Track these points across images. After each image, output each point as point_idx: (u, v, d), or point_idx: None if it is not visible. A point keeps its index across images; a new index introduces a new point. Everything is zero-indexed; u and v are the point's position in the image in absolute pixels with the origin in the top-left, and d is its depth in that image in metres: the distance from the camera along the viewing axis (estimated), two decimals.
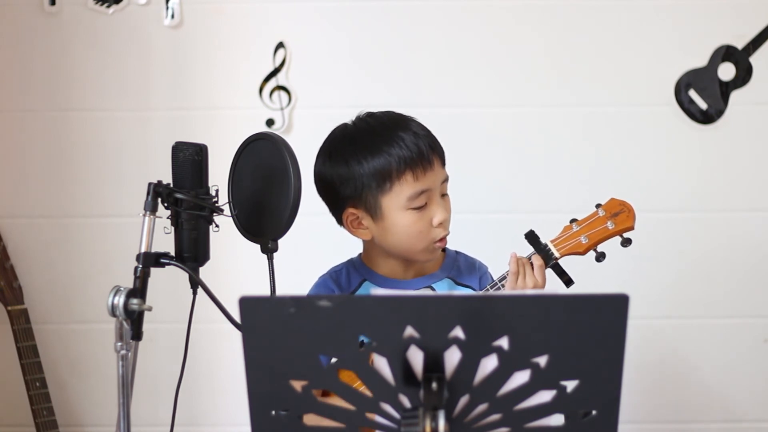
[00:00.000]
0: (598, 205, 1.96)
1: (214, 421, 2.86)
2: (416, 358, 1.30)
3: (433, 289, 2.02)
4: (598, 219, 1.94)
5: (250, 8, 2.78)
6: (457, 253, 2.09)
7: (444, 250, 2.06)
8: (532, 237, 1.96)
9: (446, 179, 1.98)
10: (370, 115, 2.01)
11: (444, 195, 1.98)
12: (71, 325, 2.83)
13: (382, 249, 2.00)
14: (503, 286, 1.94)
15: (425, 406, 1.27)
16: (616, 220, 1.94)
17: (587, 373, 1.31)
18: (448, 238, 1.99)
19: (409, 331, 1.28)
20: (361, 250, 2.08)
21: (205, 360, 2.78)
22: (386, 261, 2.02)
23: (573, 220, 1.96)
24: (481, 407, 1.32)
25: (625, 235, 1.94)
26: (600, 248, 1.95)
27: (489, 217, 2.79)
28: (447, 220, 1.97)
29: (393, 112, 2.02)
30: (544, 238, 1.96)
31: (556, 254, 1.94)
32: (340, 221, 2.01)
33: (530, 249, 1.96)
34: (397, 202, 1.92)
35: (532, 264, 1.94)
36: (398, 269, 2.02)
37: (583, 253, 1.94)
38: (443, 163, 1.98)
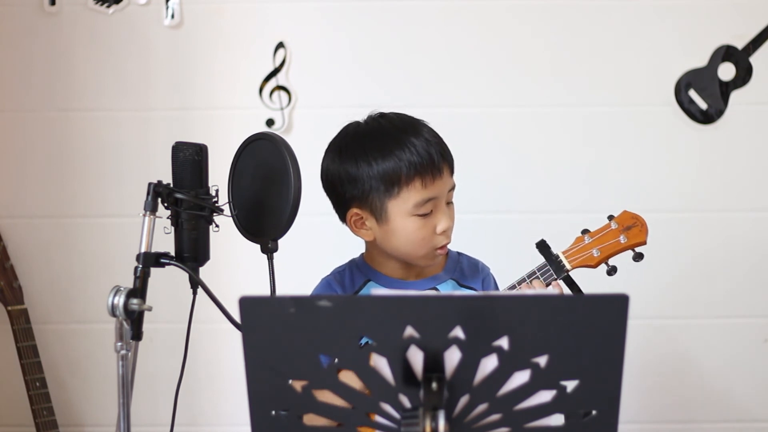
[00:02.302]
0: (610, 217, 1.95)
1: (214, 421, 2.86)
2: (416, 358, 1.30)
3: (437, 290, 2.02)
4: (610, 232, 1.93)
5: (250, 8, 2.78)
6: (459, 254, 2.08)
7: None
8: (543, 247, 1.94)
9: (453, 187, 1.98)
10: (382, 115, 2.00)
11: (449, 203, 1.98)
12: (71, 325, 2.83)
13: (383, 251, 2.00)
14: None
15: (425, 406, 1.27)
16: (628, 234, 1.93)
17: (587, 373, 1.31)
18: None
19: (409, 331, 1.28)
20: (362, 251, 2.08)
21: (205, 360, 2.78)
22: (388, 261, 2.02)
23: (585, 231, 1.95)
24: (481, 407, 1.32)
25: (637, 249, 1.93)
26: (612, 261, 1.94)
27: (488, 217, 2.78)
28: (450, 228, 1.96)
29: (405, 115, 2.01)
30: (556, 249, 1.94)
31: (568, 266, 1.93)
32: (343, 219, 2.01)
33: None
34: (403, 208, 1.92)
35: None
36: (401, 270, 2.02)
37: (594, 266, 1.93)
38: (452, 172, 1.98)
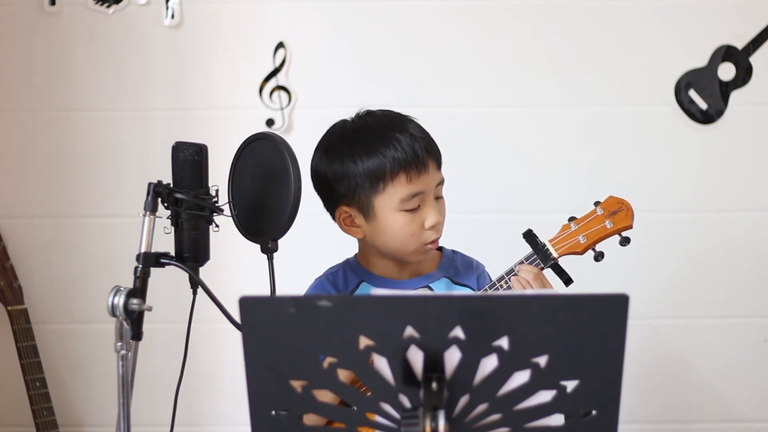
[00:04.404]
0: (596, 203, 1.95)
1: (214, 421, 2.86)
2: (416, 358, 1.30)
3: (430, 288, 2.02)
4: (596, 218, 1.93)
5: (250, 8, 2.78)
6: (453, 252, 2.08)
7: (441, 249, 2.06)
8: (530, 237, 1.94)
9: (441, 182, 1.98)
10: (369, 113, 2.01)
11: (439, 198, 1.98)
12: (71, 325, 2.83)
13: (375, 249, 2.00)
14: (501, 287, 1.93)
15: (425, 406, 1.27)
16: (614, 218, 1.92)
17: (587, 373, 1.31)
18: (442, 239, 1.99)
19: (409, 331, 1.28)
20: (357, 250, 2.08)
21: (205, 360, 2.78)
22: (381, 261, 2.02)
23: (571, 219, 1.95)
24: (481, 407, 1.32)
25: (624, 233, 1.93)
26: (599, 247, 1.94)
27: (488, 217, 2.79)
28: (440, 223, 1.96)
29: (392, 112, 2.02)
30: (543, 238, 1.95)
31: (555, 254, 1.93)
32: (333, 218, 2.02)
33: (527, 248, 1.95)
34: (389, 203, 1.92)
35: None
36: (394, 269, 2.02)
37: (581, 253, 1.93)
38: (439, 166, 1.97)
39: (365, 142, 1.94)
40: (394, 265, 2.01)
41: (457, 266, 2.06)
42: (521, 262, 1.93)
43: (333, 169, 1.95)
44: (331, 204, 1.99)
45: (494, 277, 1.97)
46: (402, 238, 1.94)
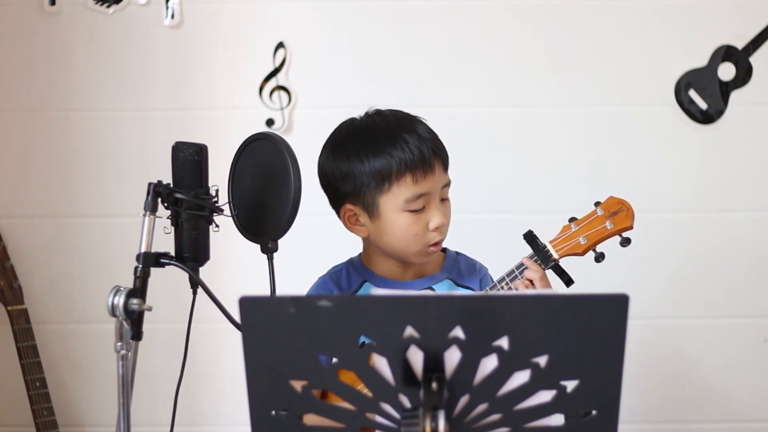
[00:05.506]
0: (596, 204, 1.95)
1: (214, 421, 2.86)
2: (416, 358, 1.30)
3: (433, 290, 2.02)
4: (596, 219, 1.93)
5: (250, 8, 2.78)
6: (457, 254, 2.08)
7: (444, 250, 2.06)
8: (530, 237, 1.94)
9: (448, 184, 1.98)
10: (378, 112, 2.01)
11: (444, 200, 1.98)
12: (71, 325, 2.83)
13: (379, 248, 2.00)
14: (503, 288, 1.93)
15: (425, 406, 1.27)
16: (614, 219, 1.92)
17: (587, 373, 1.31)
18: (444, 240, 1.99)
19: (409, 331, 1.28)
20: (361, 250, 2.08)
21: (205, 360, 2.78)
22: (385, 261, 2.02)
23: (572, 219, 1.95)
24: (481, 407, 1.32)
25: (625, 234, 1.93)
26: (599, 248, 1.94)
27: (488, 217, 2.79)
28: (444, 225, 1.96)
29: (401, 112, 2.01)
30: (543, 239, 1.95)
31: (555, 255, 1.93)
32: (338, 215, 2.01)
33: (527, 249, 1.95)
34: (394, 203, 1.92)
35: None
36: (397, 270, 2.02)
37: (582, 254, 1.93)
38: (445, 168, 1.97)
39: (373, 141, 1.94)
40: (398, 265, 2.01)
41: (461, 268, 2.06)
42: (521, 264, 1.93)
43: (339, 166, 1.95)
44: (337, 202, 1.99)
45: (496, 278, 1.97)
46: (405, 238, 1.94)
